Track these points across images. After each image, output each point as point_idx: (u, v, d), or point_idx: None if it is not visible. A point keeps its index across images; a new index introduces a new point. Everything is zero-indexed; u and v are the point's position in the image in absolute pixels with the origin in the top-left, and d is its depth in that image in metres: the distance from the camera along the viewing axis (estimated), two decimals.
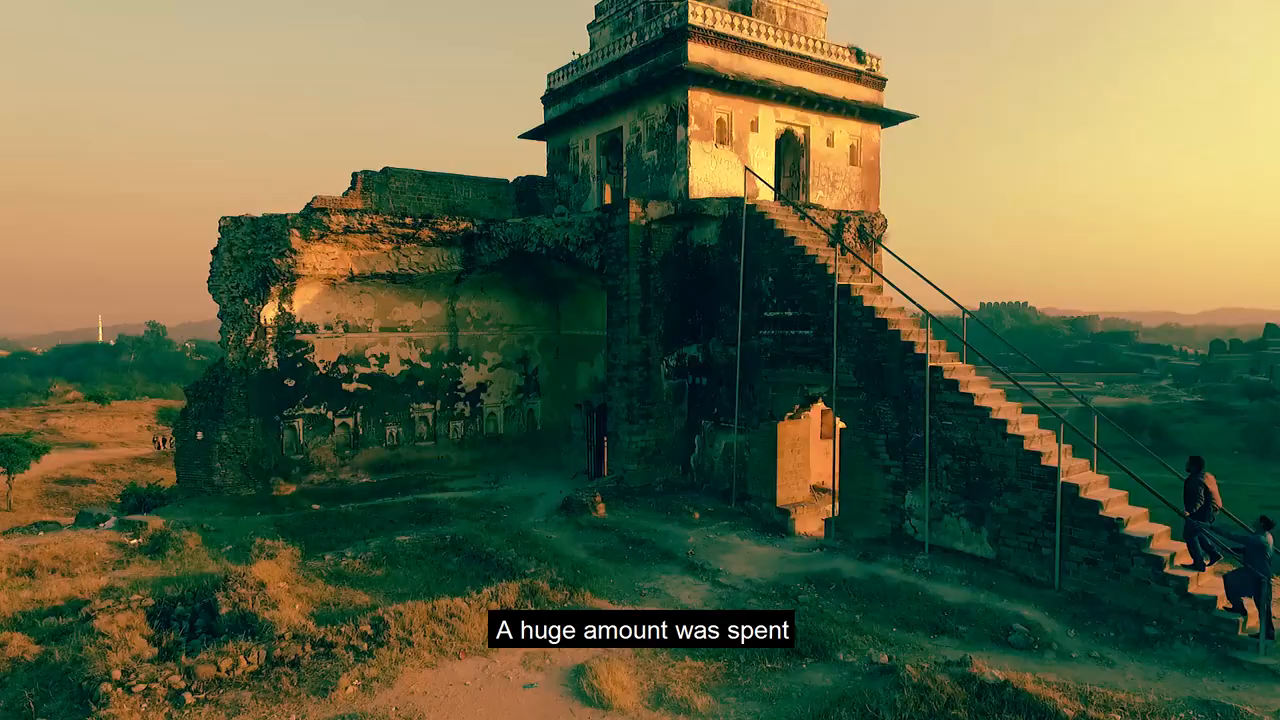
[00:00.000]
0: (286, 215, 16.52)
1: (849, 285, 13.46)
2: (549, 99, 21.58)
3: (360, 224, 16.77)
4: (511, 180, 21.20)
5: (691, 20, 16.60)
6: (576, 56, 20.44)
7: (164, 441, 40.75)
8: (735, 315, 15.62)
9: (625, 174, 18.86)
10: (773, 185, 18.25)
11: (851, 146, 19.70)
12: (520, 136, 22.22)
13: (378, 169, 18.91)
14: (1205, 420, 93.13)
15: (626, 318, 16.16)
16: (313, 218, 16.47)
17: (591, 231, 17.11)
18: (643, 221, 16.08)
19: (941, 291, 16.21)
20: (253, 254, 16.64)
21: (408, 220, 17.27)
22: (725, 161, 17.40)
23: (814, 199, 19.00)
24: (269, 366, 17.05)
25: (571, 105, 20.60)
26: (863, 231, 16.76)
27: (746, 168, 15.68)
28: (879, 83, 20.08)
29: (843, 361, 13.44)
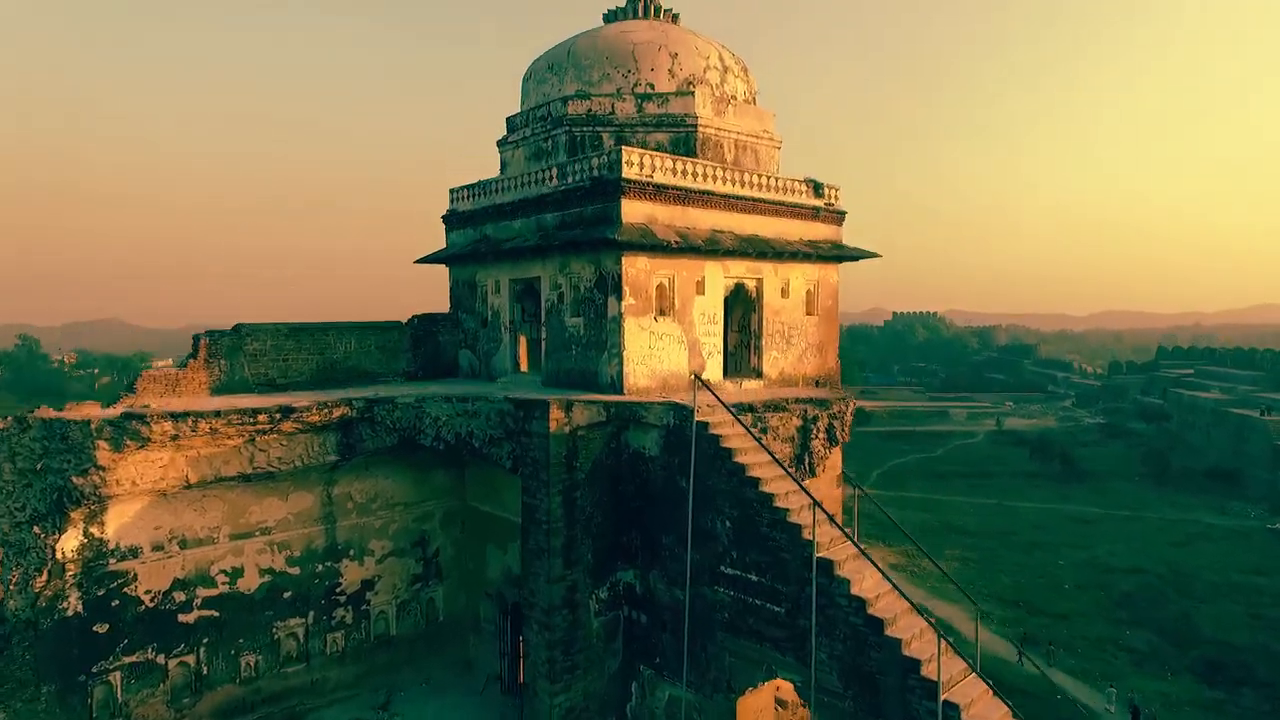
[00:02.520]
0: (89, 421, 12.38)
1: (831, 561, 10.58)
2: (452, 221, 17.95)
3: (195, 429, 12.81)
4: (406, 322, 17.50)
5: (626, 173, 13.42)
6: (479, 182, 16.92)
7: None
8: (683, 555, 12.56)
9: (545, 336, 15.51)
10: (720, 349, 15.33)
11: (808, 292, 17.00)
12: (417, 262, 18.51)
13: (228, 327, 14.93)
14: (1107, 444, 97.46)
15: (546, 550, 12.85)
16: (127, 426, 12.41)
17: (502, 426, 13.73)
18: (566, 429, 12.81)
19: (927, 555, 13.41)
20: (45, 468, 12.44)
21: (261, 418, 13.38)
22: (666, 335, 14.33)
23: (767, 361, 16.20)
24: (70, 613, 12.85)
25: (479, 235, 17.07)
26: (831, 432, 14.00)
27: (695, 376, 12.67)
28: (838, 217, 17.46)
29: (823, 657, 10.57)
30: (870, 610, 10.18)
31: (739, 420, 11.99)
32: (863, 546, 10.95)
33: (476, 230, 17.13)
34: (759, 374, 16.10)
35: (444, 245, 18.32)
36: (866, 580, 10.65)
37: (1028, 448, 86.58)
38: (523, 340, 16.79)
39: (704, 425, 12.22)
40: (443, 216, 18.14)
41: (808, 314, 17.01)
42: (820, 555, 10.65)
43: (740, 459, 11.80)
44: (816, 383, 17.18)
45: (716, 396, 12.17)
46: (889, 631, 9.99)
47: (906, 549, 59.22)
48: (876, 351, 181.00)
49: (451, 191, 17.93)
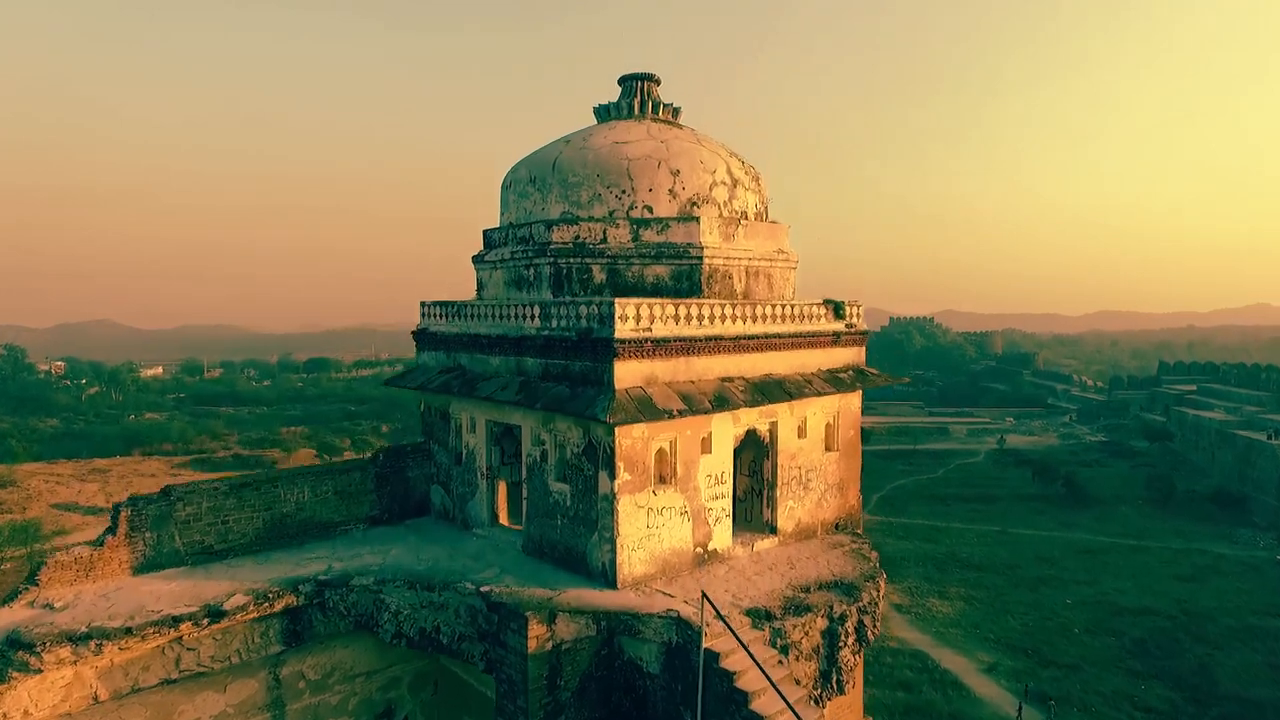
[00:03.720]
0: None
1: None
2: (423, 340, 15.78)
3: (99, 650, 10.65)
4: (369, 459, 15.34)
5: (620, 330, 11.28)
6: (454, 303, 14.77)
7: None
8: None
9: (526, 493, 13.38)
10: (729, 511, 13.22)
11: (827, 426, 14.91)
12: (385, 384, 16.35)
13: (156, 491, 12.77)
14: (1111, 464, 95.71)
15: None
16: (11, 657, 10.23)
17: (474, 625, 11.62)
18: (549, 645, 10.70)
19: None
20: None
21: (184, 627, 11.24)
22: (667, 509, 12.21)
23: (782, 512, 14.11)
24: None
25: (452, 363, 14.92)
26: (861, 631, 11.90)
27: (704, 593, 10.57)
28: (860, 338, 15.38)
29: None
30: None
31: (752, 655, 9.87)
32: None
33: (450, 357, 14.96)
34: (773, 529, 14.01)
35: (417, 336, 16.11)
36: None
37: (1030, 468, 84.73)
38: (502, 486, 14.66)
39: (714, 656, 10.11)
40: (413, 333, 15.96)
41: (827, 450, 14.92)
42: None
43: (758, 705, 9.70)
44: (836, 526, 15.12)
45: (729, 627, 10.04)
46: None
47: (910, 585, 57.39)
48: (874, 360, 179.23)
49: (422, 305, 15.77)
